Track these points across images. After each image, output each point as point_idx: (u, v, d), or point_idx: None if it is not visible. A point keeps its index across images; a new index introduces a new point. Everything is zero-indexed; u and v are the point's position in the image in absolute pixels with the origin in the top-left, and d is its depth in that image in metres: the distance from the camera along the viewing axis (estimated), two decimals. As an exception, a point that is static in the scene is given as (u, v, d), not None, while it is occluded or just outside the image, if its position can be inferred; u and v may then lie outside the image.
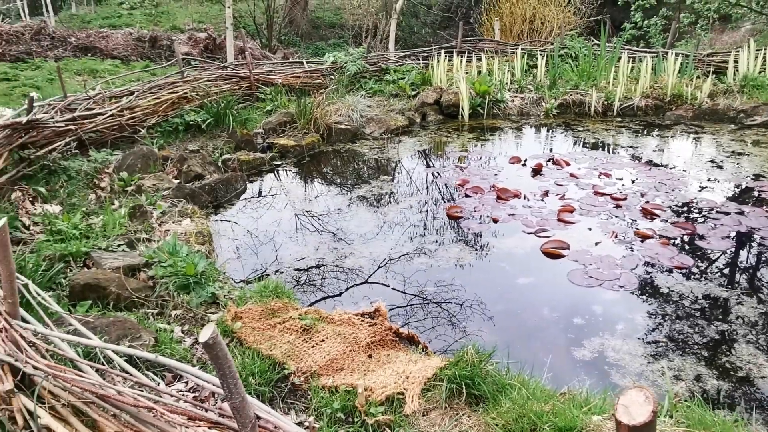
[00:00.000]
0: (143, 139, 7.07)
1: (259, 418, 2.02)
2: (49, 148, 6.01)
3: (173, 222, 5.12)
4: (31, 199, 5.37)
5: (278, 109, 8.45)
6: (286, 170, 7.24)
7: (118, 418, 2.34)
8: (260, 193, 6.54)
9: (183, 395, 2.95)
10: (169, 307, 3.88)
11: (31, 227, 4.91)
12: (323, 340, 3.57)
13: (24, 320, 2.76)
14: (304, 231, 5.52)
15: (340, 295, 4.44)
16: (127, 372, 2.60)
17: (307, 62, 10.33)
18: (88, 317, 3.40)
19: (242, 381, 3.15)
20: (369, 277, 4.67)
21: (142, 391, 2.49)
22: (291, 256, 5.03)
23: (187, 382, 3.21)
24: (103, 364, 2.86)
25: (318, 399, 3.04)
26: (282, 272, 4.75)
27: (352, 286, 4.54)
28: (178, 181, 6.14)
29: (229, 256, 5.01)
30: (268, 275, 4.67)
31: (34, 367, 2.47)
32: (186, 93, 7.88)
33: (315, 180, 7.02)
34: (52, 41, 14.89)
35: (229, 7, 12.44)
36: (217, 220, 5.75)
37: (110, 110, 6.96)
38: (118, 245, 4.56)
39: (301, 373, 3.27)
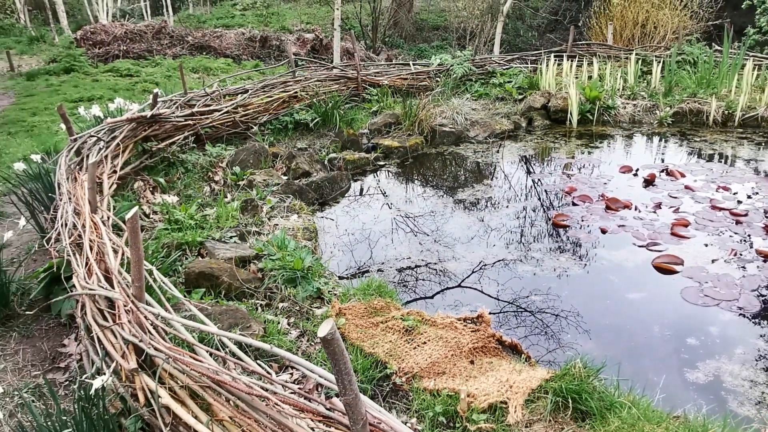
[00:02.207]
0: (255, 135, 7.34)
1: (370, 415, 2.04)
2: (169, 141, 6.35)
3: (281, 217, 5.28)
4: (151, 188, 5.70)
5: (384, 110, 8.54)
6: (389, 171, 7.31)
7: (232, 403, 2.43)
8: (363, 192, 6.63)
9: (289, 384, 3.03)
10: (277, 300, 4.00)
11: (151, 215, 5.20)
12: (425, 343, 3.57)
13: (148, 304, 2.92)
14: (404, 231, 5.54)
15: (439, 297, 4.44)
16: (240, 359, 2.69)
17: (414, 64, 10.39)
18: (203, 304, 3.56)
19: (354, 377, 3.21)
20: (465, 280, 4.63)
21: (253, 379, 2.58)
22: (390, 255, 5.06)
23: (292, 374, 3.30)
24: (217, 350, 2.99)
25: (419, 401, 3.04)
26: (383, 271, 4.80)
27: (453, 289, 4.53)
28: (286, 177, 6.32)
29: (333, 253, 5.11)
30: (371, 273, 4.72)
31: (156, 349, 2.61)
32: (296, 92, 8.12)
33: (417, 181, 7.04)
34: (171, 40, 15.76)
35: (337, 9, 12.71)
36: (322, 217, 5.88)
37: (225, 107, 7.27)
38: (230, 237, 4.76)
39: (402, 373, 3.29)
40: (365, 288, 4.18)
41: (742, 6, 14.67)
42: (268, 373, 2.82)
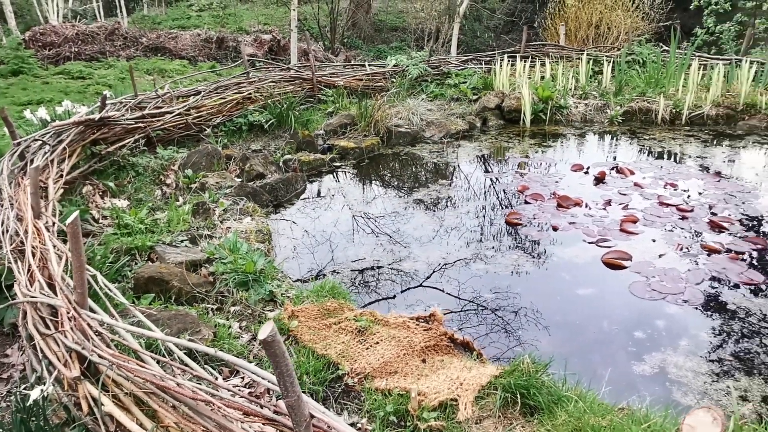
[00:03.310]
0: (208, 137, 7.25)
1: (313, 417, 2.03)
2: (119, 144, 6.23)
3: (234, 220, 5.23)
4: (100, 193, 5.59)
5: (339, 111, 8.53)
6: (345, 172, 7.30)
7: (177, 409, 2.40)
8: (319, 193, 6.62)
9: (239, 390, 3.00)
10: (228, 303, 3.96)
11: (100, 220, 5.10)
12: (378, 343, 3.58)
13: (91, 310, 2.86)
14: (361, 232, 5.55)
15: (394, 297, 4.44)
16: (186, 365, 2.66)
17: (369, 65, 10.40)
18: (151, 310, 3.50)
19: (297, 379, 3.20)
20: (424, 280, 4.66)
21: (200, 384, 2.55)
22: (347, 256, 5.06)
23: (243, 378, 3.27)
24: (164, 356, 2.95)
25: (371, 401, 3.05)
26: (338, 273, 4.79)
27: (407, 290, 4.54)
28: (240, 179, 6.27)
29: (287, 255, 5.08)
30: (325, 275, 4.71)
31: (100, 356, 2.56)
32: (250, 94, 8.05)
33: (373, 182, 7.05)
34: (125, 41, 15.46)
35: (294, 10, 12.65)
36: (276, 219, 5.84)
37: (177, 109, 7.17)
38: (181, 241, 4.69)
39: (354, 374, 3.29)
40: (319, 290, 4.17)
41: (691, 7, 15.09)
42: (214, 377, 2.80)
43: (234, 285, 4.08)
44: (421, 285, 4.60)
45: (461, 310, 4.25)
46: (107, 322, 2.76)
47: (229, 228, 5.06)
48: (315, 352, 3.47)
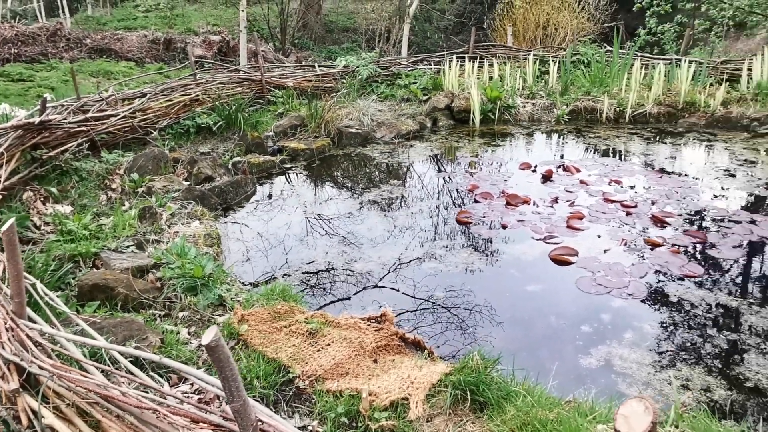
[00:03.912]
0: (155, 140, 7.12)
1: (261, 421, 2.02)
2: (62, 148, 6.06)
3: (182, 224, 5.15)
4: (42, 199, 5.42)
5: (289, 112, 8.48)
6: (296, 173, 7.26)
7: (122, 419, 2.35)
8: (270, 196, 6.56)
9: (188, 397, 2.96)
10: (177, 309, 3.90)
11: (42, 227, 4.95)
12: (329, 344, 3.57)
13: (31, 320, 2.78)
14: (314, 234, 5.53)
15: (349, 299, 4.44)
16: (131, 373, 2.61)
17: (319, 66, 10.37)
18: (95, 318, 3.42)
19: (247, 384, 3.17)
20: (379, 281, 4.66)
21: (147, 392, 2.50)
22: (300, 259, 5.03)
23: (192, 384, 3.22)
24: (108, 365, 2.88)
25: (322, 403, 3.04)
26: (290, 276, 4.76)
27: (362, 290, 4.54)
28: (188, 183, 6.17)
29: (238, 259, 5.03)
30: (276, 278, 4.68)
31: (40, 367, 2.49)
32: (198, 95, 7.94)
33: (325, 183, 7.04)
34: (68, 43, 15.05)
35: (243, 11, 12.53)
36: (226, 223, 5.77)
37: (122, 112, 7.01)
38: (128, 246, 4.59)
39: (306, 376, 3.27)
40: (269, 293, 4.13)
41: (634, 8, 15.50)
42: (161, 385, 2.75)
43: (182, 290, 4.01)
44: (376, 286, 4.61)
45: (416, 310, 4.28)
46: (48, 332, 2.68)
47: (177, 232, 4.97)
48: (265, 355, 3.44)
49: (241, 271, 4.83)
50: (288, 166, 7.42)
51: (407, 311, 4.24)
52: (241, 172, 6.70)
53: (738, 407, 3.23)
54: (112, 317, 3.54)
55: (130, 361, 2.90)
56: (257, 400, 3.04)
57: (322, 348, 3.54)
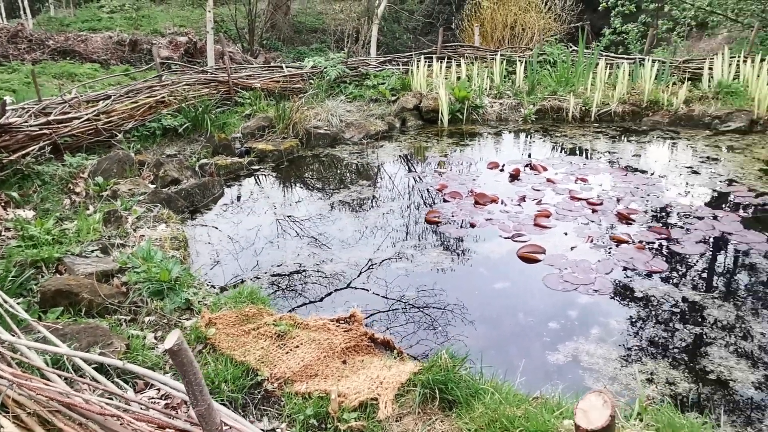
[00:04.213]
0: (120, 143, 7.01)
1: (226, 425, 2.00)
2: (23, 152, 5.94)
3: (148, 227, 5.08)
4: (3, 204, 5.31)
5: (257, 113, 8.42)
6: (264, 175, 7.21)
7: (85, 426, 2.31)
8: (238, 198, 6.51)
9: (154, 402, 2.92)
10: (143, 314, 3.84)
11: (3, 233, 4.84)
12: (297, 346, 3.55)
13: (-10, 327, 2.72)
14: (283, 236, 5.50)
15: (321, 300, 4.42)
16: (95, 380, 2.56)
17: (287, 66, 10.31)
18: (58, 324, 3.35)
19: (215, 387, 3.14)
20: (351, 282, 4.65)
21: (112, 399, 2.47)
22: (270, 261, 5.00)
23: (159, 390, 3.18)
24: (71, 372, 2.83)
25: (291, 405, 3.02)
26: (259, 278, 4.73)
27: (333, 292, 4.53)
28: (154, 186, 6.09)
29: (205, 262, 4.98)
30: (245, 281, 4.64)
31: None
32: (164, 97, 7.84)
33: (294, 185, 7.00)
34: (30, 44, 14.73)
35: (209, 11, 12.41)
36: (193, 226, 5.71)
37: (86, 114, 6.90)
38: (92, 251, 4.52)
39: (274, 379, 3.26)
40: (237, 296, 4.10)
41: (599, 8, 15.74)
42: (125, 390, 2.72)
43: (148, 294, 3.96)
44: (348, 286, 4.60)
45: (389, 310, 4.27)
46: (7, 340, 2.63)
47: (143, 236, 4.90)
48: (234, 359, 3.41)
49: (210, 274, 4.79)
50: (256, 167, 7.37)
51: (379, 312, 4.25)
52: (208, 175, 6.64)
53: (701, 399, 3.30)
54: (75, 323, 3.48)
55: (95, 368, 2.85)
56: (225, 404, 3.03)
57: (291, 350, 3.52)
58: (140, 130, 7.42)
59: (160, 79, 8.34)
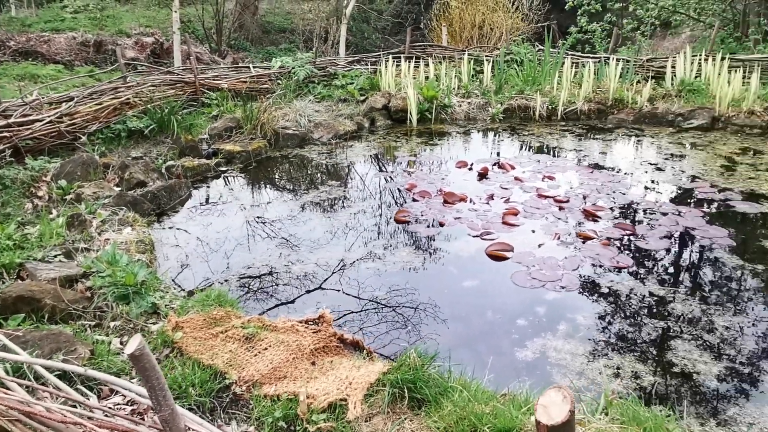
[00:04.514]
0: (84, 146, 6.89)
1: (190, 429, 1.98)
2: (-18, 156, 5.81)
3: (113, 231, 5.00)
4: (-38, 209, 5.18)
5: (224, 114, 8.35)
6: (232, 176, 7.16)
7: (47, 435, 2.27)
8: (206, 200, 6.44)
9: (120, 409, 2.88)
10: (108, 319, 3.78)
11: (-38, 239, 4.72)
12: (266, 349, 3.53)
13: (-53, 336, 2.65)
14: (252, 238, 5.46)
15: (293, 302, 4.38)
16: (58, 388, 2.52)
17: (254, 67, 10.25)
18: (19, 331, 3.28)
19: (182, 392, 3.10)
20: (322, 283, 4.63)
21: (76, 407, 2.42)
22: (238, 263, 4.96)
23: (125, 396, 3.13)
24: (32, 380, 2.77)
25: (260, 408, 3.00)
26: (228, 281, 4.68)
27: (304, 293, 4.50)
28: (119, 188, 6.00)
29: (172, 265, 4.92)
30: (213, 284, 4.59)
31: (-44, 386, 2.38)
32: (129, 99, 7.73)
33: (262, 186, 6.96)
34: (-10, 45, 14.40)
35: (175, 12, 12.27)
36: (159, 229, 5.63)
37: (48, 116, 6.76)
38: (55, 256, 4.43)
39: (243, 382, 3.23)
40: (204, 299, 4.05)
41: (566, 8, 15.94)
42: (87, 397, 2.67)
43: (114, 299, 3.89)
44: (320, 287, 4.58)
45: (361, 310, 4.26)
46: (-35, 348, 2.56)
47: (108, 240, 4.82)
48: (201, 362, 3.37)
49: (177, 277, 4.73)
50: (224, 169, 7.31)
51: (352, 312, 4.23)
52: (175, 177, 6.56)
53: (666, 392, 3.36)
54: (37, 330, 3.41)
55: (58, 376, 2.80)
56: (193, 408, 3.00)
57: (260, 352, 3.50)
58: (105, 132, 7.30)
59: (124, 80, 8.22)
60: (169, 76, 8.94)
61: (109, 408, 2.32)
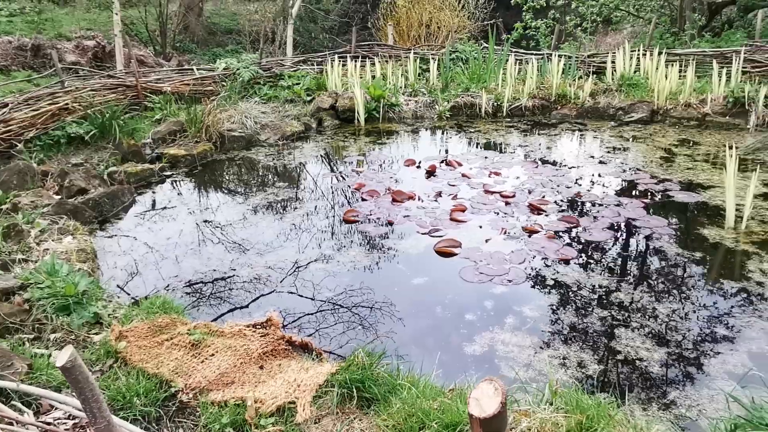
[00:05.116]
0: (20, 153, 6.66)
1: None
2: None
3: (53, 240, 4.85)
4: None
5: (168, 118, 8.19)
6: (177, 180, 7.03)
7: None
8: (152, 205, 6.31)
9: (60, 423, 2.80)
10: (48, 331, 3.67)
11: None
12: (213, 354, 3.48)
13: None
14: (199, 242, 5.37)
15: (247, 306, 4.32)
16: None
17: (198, 69, 10.09)
18: (-50, 348, 3.16)
19: (126, 402, 3.04)
20: (277, 286, 4.59)
21: (13, 424, 2.35)
22: (185, 269, 4.87)
23: (65, 410, 3.05)
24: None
25: (207, 415, 2.96)
26: (175, 287, 4.59)
27: (259, 297, 4.45)
28: (59, 197, 5.82)
29: (116, 274, 4.80)
30: (159, 291, 4.50)
31: None
32: (67, 104, 7.49)
33: (208, 189, 6.85)
34: None
35: (116, 14, 12.00)
36: (103, 237, 5.49)
37: (-20, 125, 6.53)
38: (-10, 268, 4.28)
39: (189, 389, 3.18)
40: (149, 307, 3.97)
41: (511, 3, 16.18)
42: (21, 414, 2.59)
43: (53, 311, 3.78)
44: (275, 290, 4.53)
45: (317, 311, 4.23)
46: None
47: (48, 250, 4.68)
48: (146, 371, 3.30)
49: (121, 285, 4.62)
50: (168, 173, 7.17)
51: (308, 314, 4.20)
52: (117, 183, 6.40)
53: (609, 379, 3.44)
54: (-29, 346, 3.29)
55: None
56: (138, 419, 2.94)
57: (207, 359, 3.45)
58: (43, 138, 7.07)
59: (62, 84, 7.98)
60: (110, 80, 8.72)
61: (47, 424, 2.25)
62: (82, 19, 20.24)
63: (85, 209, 5.57)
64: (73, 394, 2.44)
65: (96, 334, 3.72)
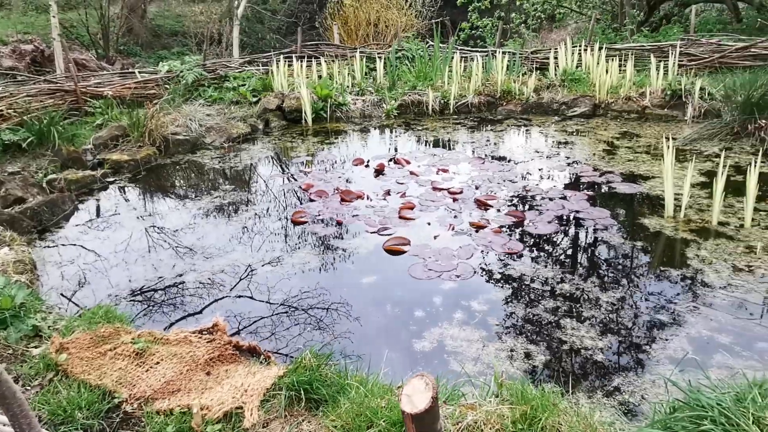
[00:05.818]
0: (-47, 163, 6.42)
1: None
2: None
3: (-12, 252, 4.69)
4: None
5: (109, 122, 8.00)
6: (120, 186, 6.87)
7: None
8: (95, 212, 6.15)
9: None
10: (-18, 346, 3.54)
11: None
12: (158, 363, 3.41)
13: None
14: (144, 249, 5.26)
15: (201, 312, 4.25)
16: None
17: (140, 72, 9.88)
18: None
19: (67, 416, 2.95)
20: (233, 289, 4.53)
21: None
22: (131, 278, 4.76)
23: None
24: None
25: (152, 425, 2.90)
26: (118, 296, 4.49)
27: (212, 303, 4.38)
28: (-5, 207, 5.63)
29: (56, 284, 4.66)
30: (103, 301, 4.39)
31: None
32: (1, 110, 7.24)
33: (153, 195, 6.72)
34: None
35: (54, 17, 11.66)
36: (42, 247, 5.33)
37: None
38: None
39: (134, 399, 3.11)
40: (91, 317, 3.87)
41: (458, 3, 16.34)
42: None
43: (-11, 325, 3.65)
44: (224, 297, 4.45)
45: (273, 315, 4.19)
46: None
47: (-18, 262, 4.52)
48: (89, 383, 3.22)
49: (62, 296, 4.49)
50: (111, 179, 7.00)
51: (261, 317, 4.16)
52: (57, 190, 6.22)
53: (555, 369, 3.50)
54: None
55: None
56: (80, 432, 2.86)
57: (151, 367, 3.38)
58: (-23, 147, 6.82)
59: (-4, 91, 7.72)
60: (47, 85, 8.47)
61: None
62: (19, 22, 19.61)
63: (22, 219, 5.40)
64: (0, 411, 2.37)
65: (35, 347, 3.60)
